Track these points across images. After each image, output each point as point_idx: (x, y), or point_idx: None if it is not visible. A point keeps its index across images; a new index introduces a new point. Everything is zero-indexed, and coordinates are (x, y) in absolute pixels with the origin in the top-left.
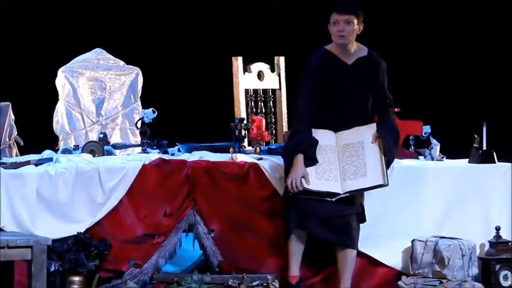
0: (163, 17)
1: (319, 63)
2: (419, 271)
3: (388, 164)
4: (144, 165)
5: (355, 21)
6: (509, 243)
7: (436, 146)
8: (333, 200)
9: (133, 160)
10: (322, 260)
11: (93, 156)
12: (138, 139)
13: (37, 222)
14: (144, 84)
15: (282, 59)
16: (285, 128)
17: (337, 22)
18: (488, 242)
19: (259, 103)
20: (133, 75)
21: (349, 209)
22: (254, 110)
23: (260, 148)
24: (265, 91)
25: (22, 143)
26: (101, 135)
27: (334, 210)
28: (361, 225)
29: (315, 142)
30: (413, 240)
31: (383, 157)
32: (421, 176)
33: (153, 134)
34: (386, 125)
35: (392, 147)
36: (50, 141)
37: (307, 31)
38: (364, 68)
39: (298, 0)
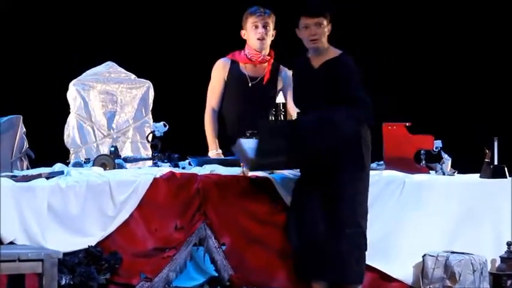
0: (175, 31)
1: (293, 69)
2: (430, 286)
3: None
4: (155, 179)
5: (325, 22)
6: None
7: (447, 160)
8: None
9: (144, 173)
10: None
11: (104, 169)
12: (149, 152)
13: (48, 236)
14: (155, 98)
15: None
16: None
17: (308, 26)
18: (500, 257)
19: (270, 117)
20: (145, 89)
21: (347, 243)
22: None
23: None
24: (276, 104)
25: (33, 156)
26: (112, 149)
27: (331, 245)
28: (372, 238)
29: None
30: (425, 255)
31: None
32: (432, 191)
33: (164, 148)
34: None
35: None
36: (61, 154)
37: None
38: (330, 71)
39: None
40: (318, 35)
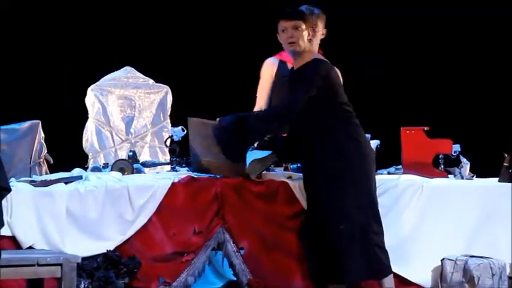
0: (192, 36)
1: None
2: None
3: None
4: (173, 183)
5: (303, 26)
6: None
7: (466, 164)
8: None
9: (162, 178)
10: None
11: (123, 174)
12: (167, 157)
13: (67, 240)
14: (173, 103)
15: None
16: None
17: (285, 29)
18: None
19: None
20: (163, 94)
21: (346, 240)
22: None
23: (289, 166)
24: None
25: (52, 161)
26: (130, 153)
27: (329, 245)
28: (390, 242)
29: None
30: (443, 259)
31: None
32: (451, 195)
33: (182, 152)
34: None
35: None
36: (79, 159)
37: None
38: (300, 75)
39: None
40: (295, 37)
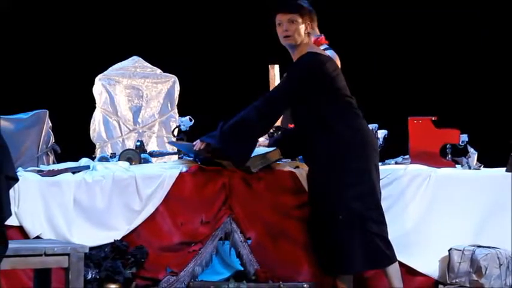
0: (200, 26)
1: None
2: (456, 280)
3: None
4: (181, 173)
5: (300, 20)
6: None
7: (473, 154)
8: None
9: (170, 168)
10: None
11: (130, 164)
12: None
13: (74, 230)
14: (181, 92)
15: None
16: None
17: (281, 23)
18: None
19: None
20: (170, 83)
21: (347, 230)
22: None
23: (297, 156)
24: None
25: (59, 151)
26: (138, 143)
27: (331, 236)
28: (397, 233)
29: None
30: (450, 249)
31: None
32: (458, 185)
33: (189, 142)
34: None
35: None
36: (87, 149)
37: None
38: (293, 67)
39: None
40: (290, 31)
